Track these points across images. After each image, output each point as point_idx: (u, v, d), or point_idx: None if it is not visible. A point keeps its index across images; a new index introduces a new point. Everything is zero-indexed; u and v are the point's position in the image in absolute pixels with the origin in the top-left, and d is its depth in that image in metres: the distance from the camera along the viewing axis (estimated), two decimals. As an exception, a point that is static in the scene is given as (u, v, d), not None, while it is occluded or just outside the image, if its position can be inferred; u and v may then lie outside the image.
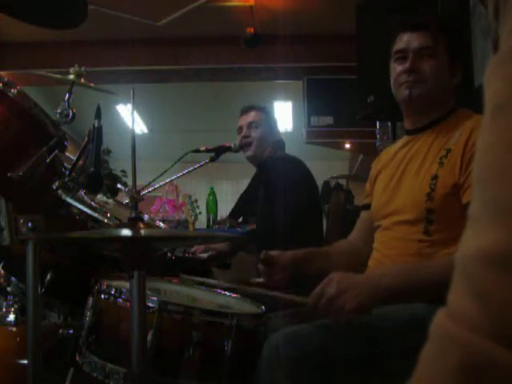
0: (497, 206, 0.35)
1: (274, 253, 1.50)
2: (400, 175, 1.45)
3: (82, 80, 1.46)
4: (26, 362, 1.18)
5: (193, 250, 2.53)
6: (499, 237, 0.34)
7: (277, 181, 2.32)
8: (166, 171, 2.62)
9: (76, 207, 1.30)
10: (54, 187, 1.26)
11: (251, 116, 2.53)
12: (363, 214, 1.65)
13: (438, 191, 1.29)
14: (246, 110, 2.57)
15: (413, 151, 1.45)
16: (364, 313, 1.14)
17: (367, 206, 1.61)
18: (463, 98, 1.52)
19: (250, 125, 2.50)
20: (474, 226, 0.37)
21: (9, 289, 1.57)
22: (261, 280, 1.49)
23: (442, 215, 1.29)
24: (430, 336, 0.37)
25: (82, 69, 1.46)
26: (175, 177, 2.58)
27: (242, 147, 2.50)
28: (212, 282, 1.65)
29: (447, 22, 1.44)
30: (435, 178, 1.30)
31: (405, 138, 1.54)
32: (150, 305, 1.16)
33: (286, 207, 2.24)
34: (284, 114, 6.96)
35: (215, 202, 4.08)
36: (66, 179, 1.28)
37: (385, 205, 1.46)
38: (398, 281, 1.18)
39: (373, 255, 1.47)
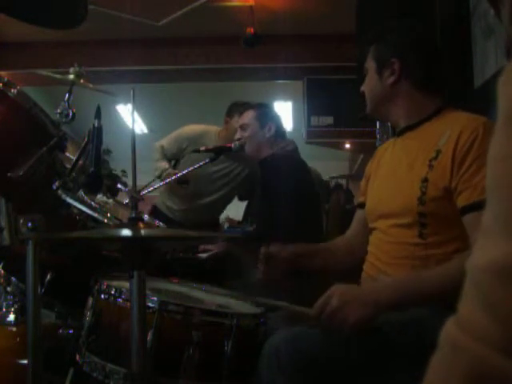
0: (508, 218, 0.35)
1: (274, 248, 1.50)
2: (390, 176, 1.44)
3: (82, 80, 1.46)
4: (25, 361, 1.18)
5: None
6: (510, 250, 0.34)
7: (275, 179, 2.33)
8: (165, 171, 2.62)
9: (76, 207, 1.30)
10: (54, 187, 1.26)
11: (244, 117, 2.59)
12: (358, 213, 1.65)
13: (429, 195, 1.27)
14: (242, 111, 2.64)
15: (402, 152, 1.44)
16: (366, 325, 1.14)
17: (362, 205, 1.60)
18: (463, 98, 1.52)
19: (241, 127, 2.55)
20: (485, 237, 0.36)
21: (9, 289, 1.57)
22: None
23: (435, 218, 1.28)
24: (439, 344, 0.37)
25: (82, 69, 1.46)
26: (175, 177, 2.58)
27: (241, 147, 2.53)
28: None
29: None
30: (425, 181, 1.29)
31: (395, 139, 1.53)
32: (150, 305, 1.16)
33: (286, 206, 2.24)
34: (284, 114, 6.95)
35: (215, 201, 4.06)
36: (66, 179, 1.28)
37: (376, 206, 1.46)
38: (399, 293, 1.18)
39: (367, 258, 1.46)
